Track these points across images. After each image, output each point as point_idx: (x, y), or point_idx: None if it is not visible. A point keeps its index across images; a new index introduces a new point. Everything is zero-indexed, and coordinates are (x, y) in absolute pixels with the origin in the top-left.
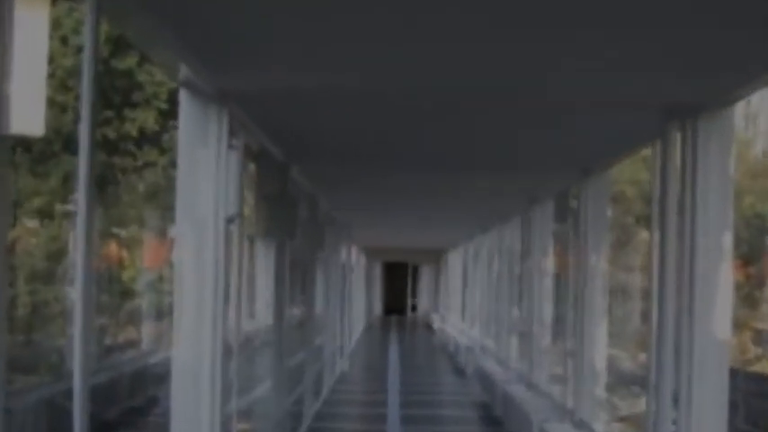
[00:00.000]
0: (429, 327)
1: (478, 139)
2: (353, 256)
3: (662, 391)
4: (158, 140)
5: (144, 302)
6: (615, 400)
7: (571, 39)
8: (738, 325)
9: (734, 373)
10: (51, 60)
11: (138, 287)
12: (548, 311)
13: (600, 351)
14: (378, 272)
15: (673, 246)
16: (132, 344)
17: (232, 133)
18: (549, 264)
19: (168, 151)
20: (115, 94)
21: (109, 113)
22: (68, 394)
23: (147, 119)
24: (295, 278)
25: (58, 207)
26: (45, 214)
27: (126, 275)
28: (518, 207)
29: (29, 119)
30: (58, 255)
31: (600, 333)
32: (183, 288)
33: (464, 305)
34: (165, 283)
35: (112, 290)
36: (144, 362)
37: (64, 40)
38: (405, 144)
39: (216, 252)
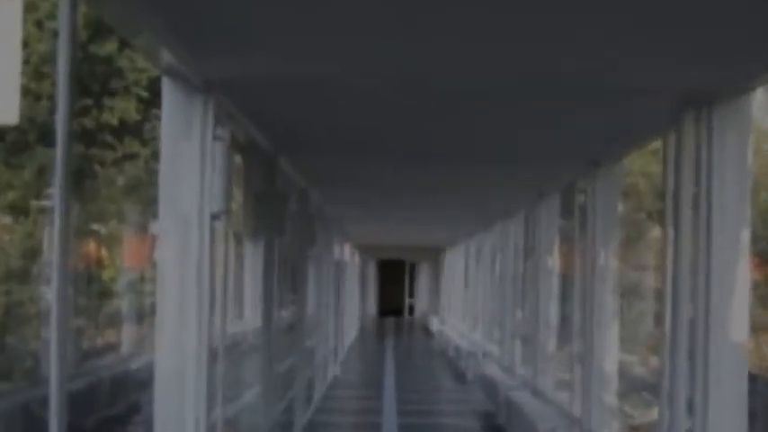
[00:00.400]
0: (427, 329)
1: (480, 129)
2: (347, 254)
3: (676, 398)
4: (140, 131)
5: (124, 304)
6: (626, 408)
7: (579, 23)
8: (757, 327)
9: (753, 379)
10: (26, 45)
11: (117, 287)
12: (554, 313)
13: (610, 355)
14: (373, 271)
15: (687, 243)
16: (112, 348)
17: (218, 124)
18: (556, 262)
19: (150, 142)
20: (94, 81)
21: (87, 102)
22: (44, 401)
23: (127, 108)
24: (285, 278)
25: (33, 202)
26: (19, 210)
27: (105, 275)
28: (522, 202)
29: (2, 107)
30: (32, 253)
31: (610, 336)
32: (166, 288)
33: (465, 306)
34: (146, 283)
35: (91, 290)
36: (125, 367)
37: (39, 24)
38: (401, 135)
39: (201, 250)
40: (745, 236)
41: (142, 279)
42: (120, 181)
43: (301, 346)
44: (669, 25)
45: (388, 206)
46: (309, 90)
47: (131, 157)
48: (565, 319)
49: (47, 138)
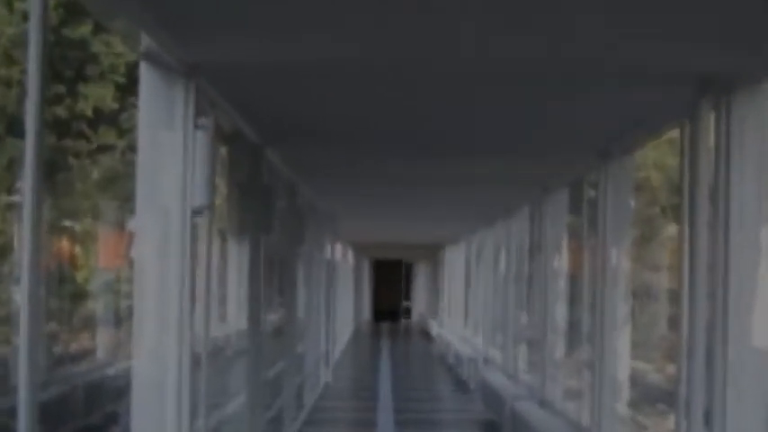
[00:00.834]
0: (426, 333)
1: (481, 117)
2: (339, 253)
3: (692, 408)
4: (116, 120)
5: (100, 306)
6: (639, 419)
7: (588, 1)
8: None
9: None
10: None
11: (92, 288)
12: (562, 316)
13: (622, 362)
14: (367, 271)
15: (704, 241)
16: (87, 353)
17: (200, 112)
18: (563, 262)
19: (128, 133)
20: (67, 67)
21: (59, 89)
22: (12, 412)
23: (103, 95)
24: (272, 278)
25: (2, 197)
26: None
27: (79, 275)
28: (527, 197)
29: None
30: (2, 251)
31: (621, 341)
32: (145, 289)
33: (466, 309)
34: (123, 283)
35: (63, 291)
36: (100, 373)
37: (8, 6)
38: (397, 124)
39: (182, 248)
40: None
41: (119, 279)
42: (96, 174)
43: (290, 352)
44: (686, 4)
45: (383, 201)
46: (299, 75)
47: (107, 148)
48: (573, 323)
49: (16, 128)
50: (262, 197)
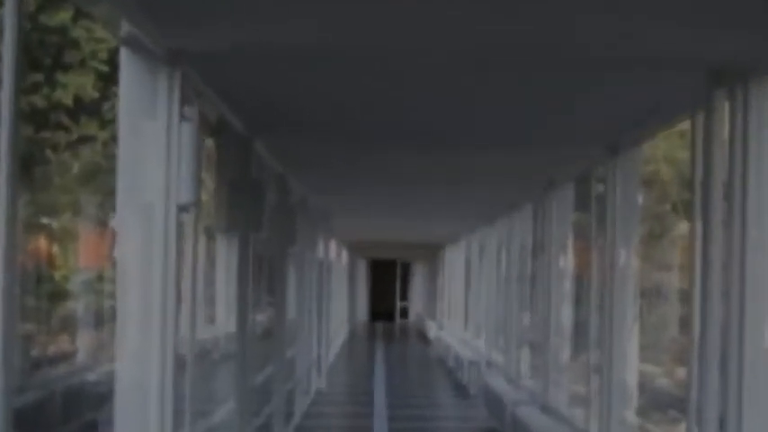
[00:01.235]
0: (423, 336)
1: (483, 109)
2: (333, 252)
3: (706, 414)
4: (97, 110)
5: (80, 307)
6: (649, 427)
7: None
8: None
9: None
10: None
11: (72, 288)
12: (567, 318)
13: (630, 366)
14: (362, 271)
15: (718, 239)
16: (66, 356)
17: (185, 102)
18: (569, 261)
19: (109, 123)
20: (45, 54)
21: (37, 78)
22: None
23: (83, 84)
24: (262, 278)
25: None
26: None
27: (58, 274)
28: (531, 193)
29: None
30: None
31: (630, 344)
32: (128, 289)
33: (466, 310)
34: (105, 283)
35: (41, 291)
36: (80, 378)
37: None
38: (394, 115)
39: (166, 246)
40: None
41: (100, 279)
42: (75, 168)
43: (281, 356)
44: None
45: (379, 198)
46: (289, 63)
47: (88, 140)
48: (579, 325)
49: None
50: (250, 193)
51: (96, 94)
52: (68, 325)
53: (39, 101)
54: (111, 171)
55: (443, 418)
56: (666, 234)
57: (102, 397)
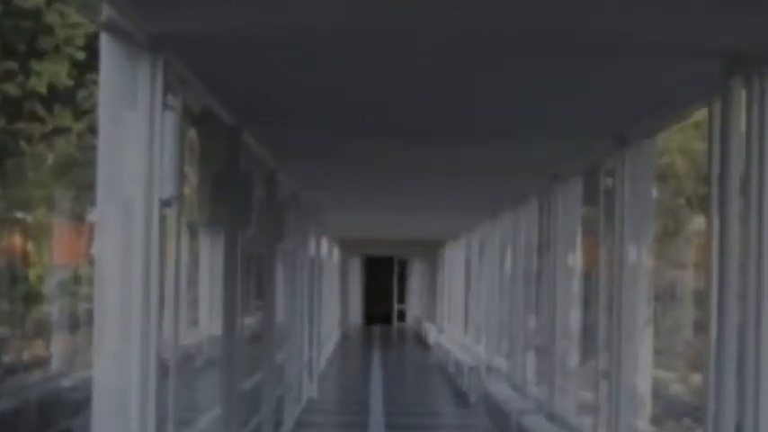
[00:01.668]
0: (422, 340)
1: (486, 98)
2: (325, 250)
3: (722, 422)
4: (73, 99)
5: (55, 309)
6: None
7: None
8: None
9: None
10: None
11: (47, 289)
12: (575, 320)
13: (642, 372)
14: (356, 269)
15: (735, 235)
16: (40, 362)
17: (168, 90)
18: (577, 259)
19: (86, 113)
20: (18, 40)
21: (10, 65)
22: None
23: (58, 72)
24: (249, 278)
25: None
26: None
27: (32, 274)
28: (536, 186)
29: None
30: None
31: (642, 348)
32: (106, 290)
33: (467, 313)
34: (82, 283)
35: (14, 293)
36: (55, 385)
37: None
38: (391, 104)
39: (147, 244)
40: None
41: (77, 279)
42: (50, 160)
43: (269, 361)
44: None
45: (374, 192)
46: (279, 48)
47: (64, 130)
48: (588, 328)
49: None
50: (237, 187)
51: (71, 83)
52: (43, 329)
53: (12, 89)
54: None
55: (443, 427)
56: (681, 230)
57: (78, 404)
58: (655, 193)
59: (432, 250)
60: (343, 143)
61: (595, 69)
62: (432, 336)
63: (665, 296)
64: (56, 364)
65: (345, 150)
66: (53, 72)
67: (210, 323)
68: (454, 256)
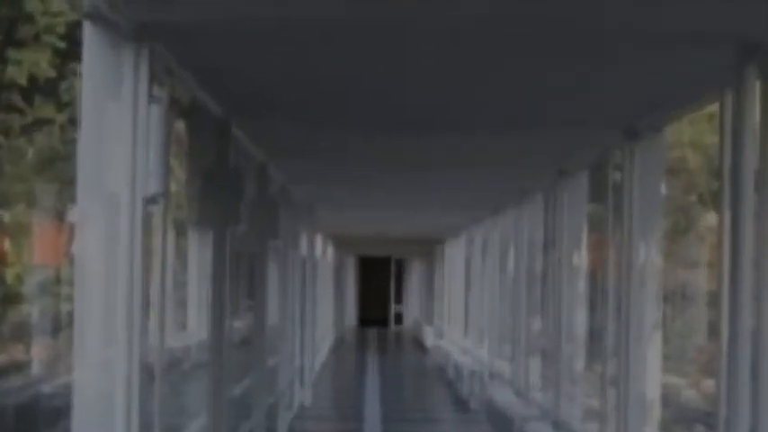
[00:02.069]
0: (420, 343)
1: (487, 88)
2: (318, 249)
3: (735, 429)
4: (54, 90)
5: (36, 311)
6: None
7: None
8: None
9: None
10: None
11: (27, 290)
12: (581, 323)
13: (652, 377)
14: (351, 269)
15: (749, 233)
16: (18, 367)
17: (154, 81)
18: (583, 258)
19: (67, 105)
20: None
21: None
22: None
23: (38, 61)
24: (239, 278)
25: None
26: None
27: (9, 274)
28: (541, 181)
29: None
30: None
31: (652, 353)
32: (89, 291)
33: (467, 315)
34: (63, 284)
35: None
36: (35, 391)
37: None
38: (388, 95)
39: (132, 243)
40: None
41: (58, 279)
42: (30, 154)
43: (260, 366)
44: None
45: (370, 187)
46: (271, 37)
47: (44, 123)
48: (594, 331)
49: None
50: (227, 182)
51: (53, 73)
52: (21, 331)
53: None
54: (68, 158)
55: None
56: (693, 228)
57: (59, 412)
58: (665, 188)
59: (430, 249)
60: (338, 136)
61: (603, 58)
62: (429, 339)
63: (675, 297)
64: (36, 368)
65: (340, 144)
66: (33, 62)
67: (198, 326)
68: (454, 255)
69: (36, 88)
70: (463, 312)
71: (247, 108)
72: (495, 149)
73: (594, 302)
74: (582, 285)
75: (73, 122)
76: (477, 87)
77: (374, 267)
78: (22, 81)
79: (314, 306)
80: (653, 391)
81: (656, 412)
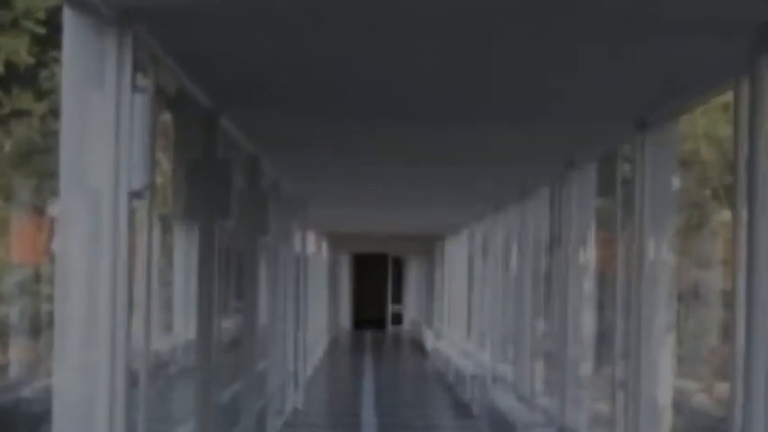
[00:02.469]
0: (419, 346)
1: (491, 77)
2: (311, 246)
3: None
4: (34, 79)
5: (14, 311)
6: None
7: None
8: None
9: None
10: None
11: (5, 289)
12: (588, 325)
13: (663, 381)
14: (346, 267)
15: (766, 229)
16: None
17: (138, 69)
18: (591, 256)
19: (47, 95)
20: None
21: None
22: None
23: (17, 48)
24: (228, 277)
25: None
26: None
27: None
28: (547, 175)
29: None
30: None
31: (663, 356)
32: (69, 290)
33: (470, 316)
34: (43, 283)
35: None
36: (13, 395)
37: None
38: (385, 83)
39: (116, 239)
40: None
41: (37, 278)
42: (8, 146)
43: (250, 369)
44: None
45: (366, 181)
46: (261, 23)
47: (22, 114)
48: (603, 333)
49: None
50: (215, 176)
51: (32, 61)
52: (0, 333)
53: None
54: (49, 150)
55: None
56: (707, 224)
57: (38, 417)
58: (677, 182)
59: (429, 246)
60: (333, 128)
61: (613, 46)
62: (429, 341)
63: (688, 297)
64: (14, 371)
65: (335, 136)
66: (11, 49)
67: (186, 327)
68: (454, 254)
69: (14, 77)
70: (465, 313)
71: (237, 97)
72: (500, 141)
73: (603, 303)
74: (589, 285)
75: (53, 113)
76: (481, 74)
77: (370, 266)
78: (0, 69)
79: (307, 306)
80: (664, 396)
81: (667, 418)
